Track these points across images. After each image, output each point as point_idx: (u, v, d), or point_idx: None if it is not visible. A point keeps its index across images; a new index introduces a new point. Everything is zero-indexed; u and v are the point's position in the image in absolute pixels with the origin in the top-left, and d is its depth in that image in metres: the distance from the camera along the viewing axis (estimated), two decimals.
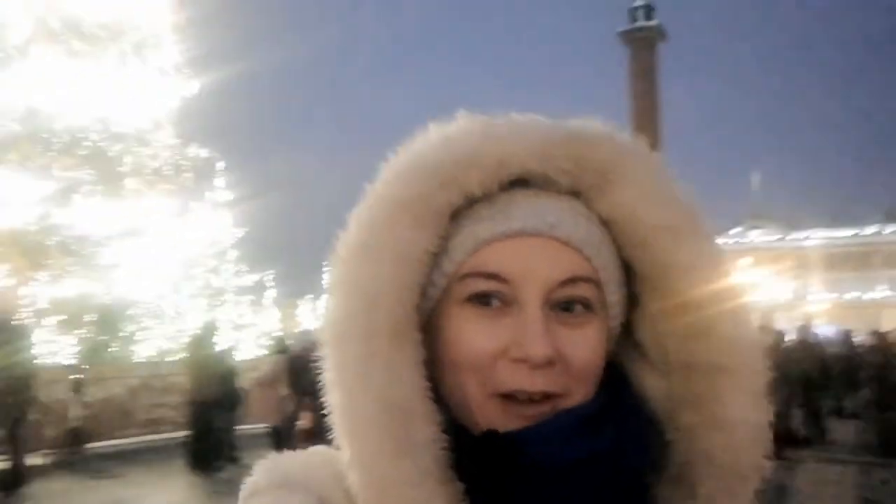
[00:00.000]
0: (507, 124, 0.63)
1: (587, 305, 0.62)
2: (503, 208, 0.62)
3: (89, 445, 11.25)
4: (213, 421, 10.15)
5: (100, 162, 16.54)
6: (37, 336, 13.41)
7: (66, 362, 12.92)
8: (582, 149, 0.62)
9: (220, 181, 18.62)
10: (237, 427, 10.90)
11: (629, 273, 0.65)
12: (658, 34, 58.66)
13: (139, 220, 16.86)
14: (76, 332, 14.04)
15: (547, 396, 0.60)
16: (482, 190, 0.62)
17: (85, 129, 16.38)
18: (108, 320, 14.70)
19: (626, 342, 0.67)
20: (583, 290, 0.61)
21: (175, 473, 10.05)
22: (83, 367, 12.28)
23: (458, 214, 0.63)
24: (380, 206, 0.62)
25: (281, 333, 13.58)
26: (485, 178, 0.61)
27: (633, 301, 0.66)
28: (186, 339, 11.85)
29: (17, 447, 9.00)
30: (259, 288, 18.77)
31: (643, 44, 57.67)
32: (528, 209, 0.62)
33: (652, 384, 0.65)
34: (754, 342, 0.63)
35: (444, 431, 0.59)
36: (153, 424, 12.55)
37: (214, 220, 18.07)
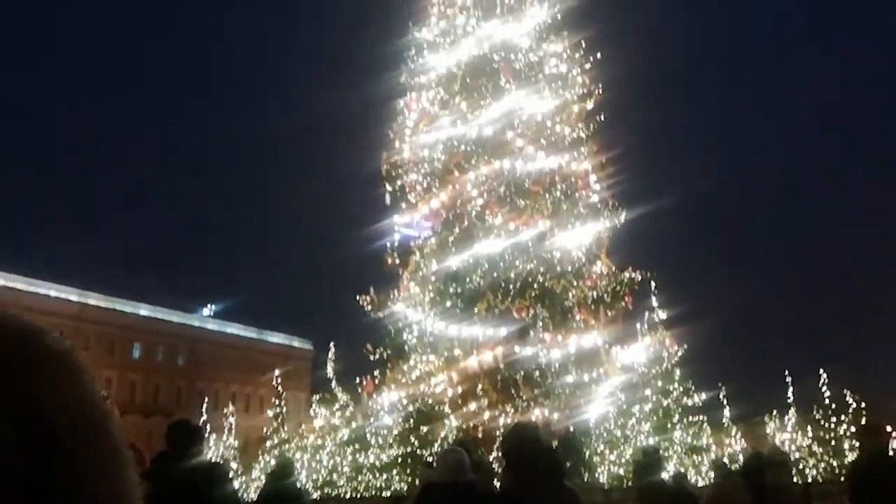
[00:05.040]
0: None
1: None
2: None
3: None
4: None
5: (548, 300, 18.56)
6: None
7: None
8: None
9: (656, 301, 18.97)
10: None
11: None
12: None
13: (587, 347, 18.16)
14: None
15: None
16: None
17: (533, 273, 18.67)
18: (569, 446, 15.81)
19: None
20: None
21: None
22: None
23: None
24: None
25: (721, 457, 12.77)
26: None
27: None
28: (631, 466, 12.06)
29: None
30: (713, 407, 18.07)
31: None
32: None
33: None
34: None
35: None
36: None
37: (655, 340, 18.34)
